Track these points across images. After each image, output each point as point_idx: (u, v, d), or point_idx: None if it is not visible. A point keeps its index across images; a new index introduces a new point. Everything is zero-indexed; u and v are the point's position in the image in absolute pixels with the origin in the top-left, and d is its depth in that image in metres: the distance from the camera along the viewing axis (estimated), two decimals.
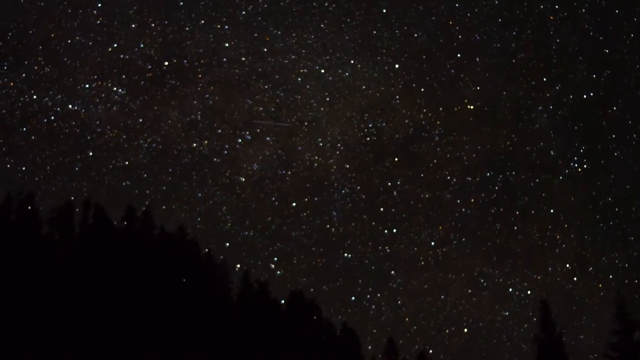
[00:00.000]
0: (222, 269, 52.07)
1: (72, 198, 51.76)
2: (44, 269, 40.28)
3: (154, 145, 74.95)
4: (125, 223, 48.10)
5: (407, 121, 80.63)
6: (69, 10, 74.00)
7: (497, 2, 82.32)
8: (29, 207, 44.84)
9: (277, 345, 47.41)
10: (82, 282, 40.56)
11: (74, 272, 41.31)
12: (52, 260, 42.31)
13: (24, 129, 71.71)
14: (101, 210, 47.17)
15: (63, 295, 39.32)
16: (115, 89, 74.07)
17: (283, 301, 54.87)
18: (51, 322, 37.56)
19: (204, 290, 47.15)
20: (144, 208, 50.56)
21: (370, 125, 79.86)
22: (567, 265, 76.67)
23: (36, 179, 71.04)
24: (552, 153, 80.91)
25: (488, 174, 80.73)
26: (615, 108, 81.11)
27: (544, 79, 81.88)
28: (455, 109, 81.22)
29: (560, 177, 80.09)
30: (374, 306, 74.19)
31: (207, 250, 53.10)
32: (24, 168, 71.34)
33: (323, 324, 55.91)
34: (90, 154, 73.47)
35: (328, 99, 78.91)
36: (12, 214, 44.39)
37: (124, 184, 73.48)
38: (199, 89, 76.26)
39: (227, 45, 76.86)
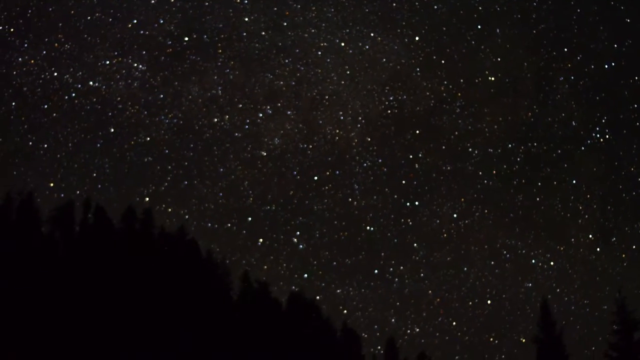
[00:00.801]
0: (222, 269, 52.04)
1: (73, 197, 52.15)
2: (44, 269, 40.28)
3: (175, 120, 75.35)
4: (125, 223, 48.04)
5: (428, 93, 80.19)
6: None
7: None
8: (30, 207, 44.88)
9: (277, 345, 47.40)
10: (82, 282, 40.57)
11: (74, 272, 41.32)
12: (52, 260, 42.31)
13: (45, 106, 72.07)
14: (101, 210, 47.18)
15: (63, 295, 39.33)
16: (135, 65, 74.26)
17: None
18: (51, 322, 37.58)
19: (204, 290, 47.12)
20: (144, 208, 50.55)
21: (391, 98, 79.43)
22: (590, 236, 76.29)
23: (58, 155, 71.67)
24: (573, 123, 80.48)
25: (510, 145, 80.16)
26: (636, 77, 79.92)
27: (565, 49, 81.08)
28: (476, 80, 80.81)
29: (582, 148, 79.58)
30: (396, 279, 74.38)
31: (207, 250, 53.08)
32: (45, 145, 71.77)
33: (323, 324, 55.85)
34: (112, 130, 73.98)
35: (349, 72, 78.75)
36: (12, 214, 44.39)
37: (145, 159, 73.99)
38: (219, 64, 76.28)
39: (246, 19, 77.00)
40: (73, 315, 38.51)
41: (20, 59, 71.18)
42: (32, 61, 71.44)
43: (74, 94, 72.57)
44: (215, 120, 75.88)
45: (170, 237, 49.65)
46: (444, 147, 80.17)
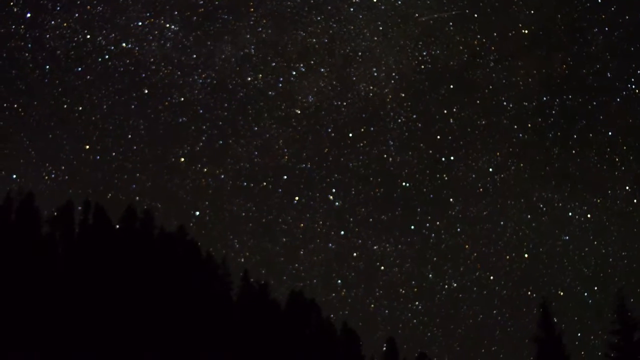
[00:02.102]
0: (222, 269, 52.03)
1: (73, 196, 52.10)
2: (44, 269, 40.26)
3: (208, 80, 75.30)
4: (124, 223, 48.01)
5: (461, 48, 79.44)
6: None
7: None
8: (30, 207, 44.85)
9: (277, 345, 47.40)
10: (82, 282, 40.56)
11: (74, 272, 41.30)
12: (52, 260, 42.29)
13: (79, 69, 72.27)
14: (101, 210, 47.16)
15: (63, 295, 39.32)
16: (168, 25, 73.92)
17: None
18: (51, 321, 37.56)
19: (204, 290, 47.12)
20: (144, 207, 50.45)
21: (425, 53, 78.71)
22: (627, 188, 75.32)
23: (93, 117, 71.82)
24: (608, 75, 79.25)
25: (544, 98, 79.55)
26: None
27: (599, 0, 79.19)
28: (510, 33, 79.83)
29: (618, 99, 78.29)
30: (433, 234, 74.55)
31: (208, 250, 53.05)
32: (80, 108, 72.00)
33: (323, 324, 55.85)
34: (146, 91, 74.04)
35: (381, 28, 78.07)
36: (12, 214, 44.37)
37: (180, 120, 74.25)
38: (251, 22, 75.87)
39: None
40: (73, 315, 38.49)
41: (53, 22, 71.10)
42: (65, 24, 71.40)
43: (107, 56, 72.58)
44: (249, 79, 75.78)
45: (170, 237, 49.63)
46: (478, 101, 79.79)
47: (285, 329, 50.21)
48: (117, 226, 47.50)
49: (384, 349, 58.43)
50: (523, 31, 79.46)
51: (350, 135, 77.28)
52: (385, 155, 77.23)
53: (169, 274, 44.83)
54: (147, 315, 41.13)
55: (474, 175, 77.36)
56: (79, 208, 47.24)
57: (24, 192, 45.94)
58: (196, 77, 74.43)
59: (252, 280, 53.00)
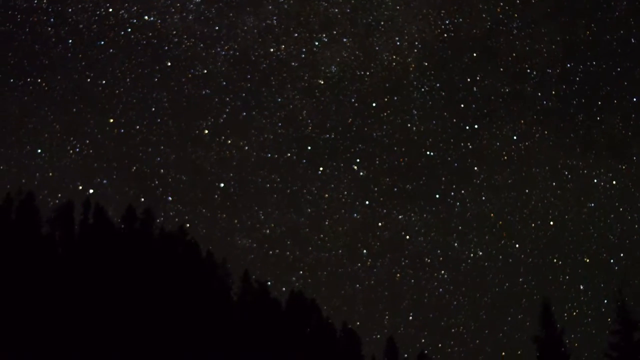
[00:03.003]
0: (222, 269, 51.98)
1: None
2: (44, 269, 40.24)
3: (231, 52, 76.34)
4: (124, 223, 47.97)
5: (484, 15, 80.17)
6: None
7: None
8: (30, 206, 44.82)
9: (277, 345, 47.36)
10: (82, 282, 40.53)
11: (74, 272, 41.28)
12: (52, 260, 42.26)
13: (102, 42, 72.73)
14: (101, 210, 47.14)
15: (63, 295, 39.29)
16: None
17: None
18: (51, 321, 37.54)
19: (204, 290, 47.09)
20: (144, 208, 50.37)
21: (447, 22, 79.05)
22: None
23: (116, 91, 72.94)
24: (632, 40, 79.68)
25: (568, 65, 79.77)
26: None
27: None
28: (533, 0, 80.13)
29: None
30: (458, 203, 75.04)
31: (208, 249, 53.01)
32: (104, 81, 72.94)
33: (323, 324, 55.80)
34: (169, 64, 74.77)
35: None
36: (12, 214, 44.35)
37: (203, 92, 74.65)
38: None
39: None
40: (73, 315, 38.47)
41: None
42: None
43: (129, 29, 73.41)
44: (271, 50, 76.70)
45: (170, 237, 49.60)
46: (501, 69, 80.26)
47: (285, 329, 50.17)
48: (117, 226, 47.47)
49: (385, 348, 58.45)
50: None
51: (374, 105, 78.48)
52: (409, 125, 78.30)
53: (169, 274, 44.81)
54: (147, 315, 41.11)
55: (498, 144, 78.27)
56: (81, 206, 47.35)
57: (24, 192, 45.96)
58: (219, 49, 75.64)
59: (254, 277, 53.02)
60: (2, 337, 35.36)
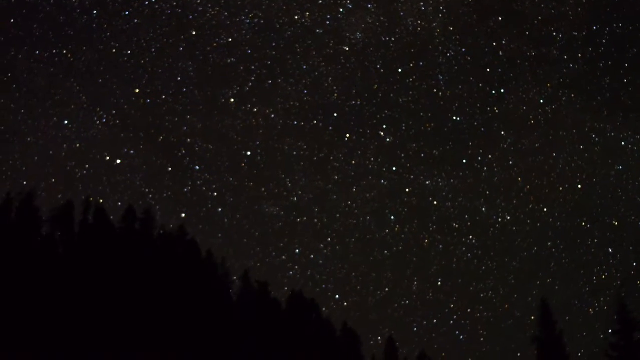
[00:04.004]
0: (222, 269, 51.98)
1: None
2: (44, 269, 40.23)
3: (256, 20, 76.27)
4: (125, 223, 47.95)
5: None
6: None
7: None
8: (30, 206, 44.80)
9: (277, 345, 47.35)
10: (82, 282, 40.52)
11: (74, 272, 41.27)
12: (52, 260, 42.25)
13: (127, 12, 73.41)
14: (101, 210, 47.13)
15: (63, 295, 39.28)
16: None
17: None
18: (51, 321, 37.53)
19: (204, 290, 47.09)
20: (144, 208, 50.30)
21: None
22: None
23: (142, 61, 73.42)
24: None
25: (594, 28, 79.59)
26: None
27: None
28: None
29: None
30: (485, 168, 74.98)
31: (207, 250, 52.99)
32: (129, 52, 73.09)
33: (323, 324, 55.81)
34: (193, 33, 75.05)
35: None
36: (12, 214, 44.33)
37: (228, 61, 75.28)
38: None
39: None
40: (73, 315, 38.46)
41: None
42: None
43: None
44: (296, 17, 76.36)
45: (170, 237, 49.59)
46: (527, 32, 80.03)
47: (285, 328, 50.17)
48: (117, 226, 47.44)
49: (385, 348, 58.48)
50: None
51: (400, 70, 78.29)
52: (435, 90, 78.33)
53: (169, 274, 44.80)
54: (147, 315, 41.11)
55: (525, 108, 78.35)
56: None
57: (24, 192, 45.95)
58: (243, 17, 75.73)
59: (252, 277, 53.02)
60: (2, 337, 35.35)
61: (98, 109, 71.58)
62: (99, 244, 44.07)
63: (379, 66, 78.24)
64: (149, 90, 74.16)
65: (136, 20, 73.67)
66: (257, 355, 45.22)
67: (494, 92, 78.56)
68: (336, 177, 75.89)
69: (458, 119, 77.66)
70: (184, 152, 73.40)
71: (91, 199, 48.02)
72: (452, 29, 79.09)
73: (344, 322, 57.42)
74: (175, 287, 44.20)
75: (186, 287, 45.22)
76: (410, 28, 78.00)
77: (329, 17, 76.68)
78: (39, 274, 39.67)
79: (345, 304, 69.91)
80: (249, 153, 73.79)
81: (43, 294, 38.61)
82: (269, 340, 47.26)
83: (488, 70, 78.67)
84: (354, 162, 75.66)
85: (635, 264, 68.02)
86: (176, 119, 74.10)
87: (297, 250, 67.90)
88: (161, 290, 43.04)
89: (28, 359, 35.36)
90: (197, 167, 73.13)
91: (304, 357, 48.41)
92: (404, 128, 77.61)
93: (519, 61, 78.95)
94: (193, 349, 42.48)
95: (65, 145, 69.87)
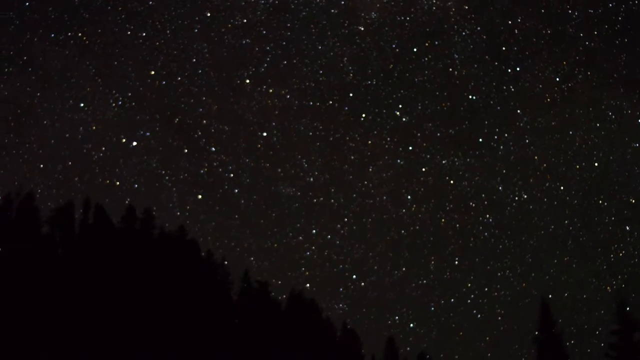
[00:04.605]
0: (222, 269, 51.98)
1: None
2: (44, 269, 40.24)
3: (270, 1, 75.64)
4: (125, 223, 47.95)
5: None
6: None
7: None
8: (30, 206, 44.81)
9: (277, 345, 47.36)
10: (82, 282, 40.53)
11: (74, 272, 41.28)
12: (52, 260, 42.26)
13: None
14: (101, 210, 47.12)
15: (63, 295, 39.29)
16: None
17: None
18: (51, 321, 37.53)
19: (204, 290, 47.09)
20: (144, 208, 50.30)
21: None
22: None
23: (157, 43, 73.12)
24: None
25: (610, 5, 78.38)
26: None
27: None
28: None
29: None
30: (501, 147, 74.92)
31: (207, 249, 53.02)
32: (144, 34, 72.76)
33: (323, 324, 55.82)
34: (208, 14, 74.49)
35: None
36: (12, 214, 44.34)
37: (243, 42, 74.96)
38: None
39: None
40: (73, 315, 38.46)
41: None
42: None
43: None
44: None
45: (170, 237, 49.59)
46: (543, 10, 78.86)
47: (285, 329, 50.17)
48: (117, 226, 47.44)
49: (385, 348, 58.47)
50: None
51: (415, 50, 77.60)
52: (450, 69, 77.54)
53: (169, 274, 44.81)
54: (147, 315, 41.11)
55: (540, 86, 77.31)
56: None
57: (23, 192, 45.97)
58: None
59: (252, 277, 53.00)
60: (2, 337, 35.35)
61: (113, 91, 71.76)
62: (99, 244, 44.07)
63: (394, 46, 77.59)
64: (164, 72, 74.05)
65: (151, 2, 73.47)
66: (257, 355, 45.22)
67: (509, 70, 77.92)
68: (352, 157, 75.94)
69: (474, 97, 77.19)
70: (199, 133, 73.55)
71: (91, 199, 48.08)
72: (467, 7, 78.32)
73: (344, 322, 57.49)
74: (175, 287, 44.20)
75: (186, 287, 45.22)
76: (426, 7, 77.21)
77: None
78: (39, 274, 39.67)
79: (363, 284, 69.52)
80: (264, 134, 74.00)
81: (43, 294, 38.61)
82: (269, 340, 47.27)
83: (503, 48, 78.05)
84: (369, 142, 75.60)
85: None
86: (192, 101, 74.13)
87: (314, 231, 67.94)
88: (161, 291, 43.04)
89: (28, 359, 35.37)
90: (213, 149, 73.29)
91: (304, 357, 48.41)
92: (419, 107, 77.08)
93: (534, 39, 78.32)
94: (193, 349, 42.48)
95: (81, 128, 70.17)
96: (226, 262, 52.72)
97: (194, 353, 42.35)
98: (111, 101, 70.73)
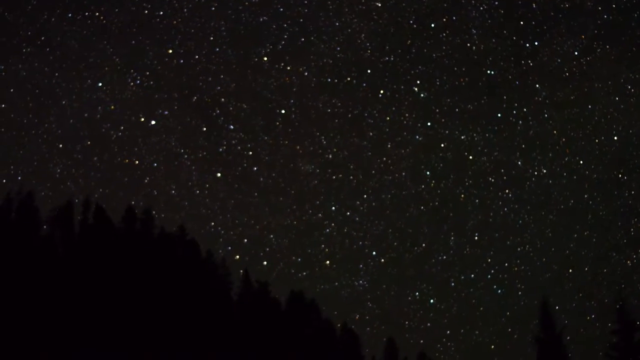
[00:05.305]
0: (222, 269, 51.95)
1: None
2: (44, 269, 40.22)
3: None
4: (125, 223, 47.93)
5: None
6: None
7: None
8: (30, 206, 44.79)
9: (277, 345, 47.35)
10: (82, 282, 40.51)
11: (74, 272, 41.26)
12: (52, 260, 42.24)
13: None
14: (101, 210, 47.10)
15: (63, 295, 39.27)
16: None
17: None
18: (51, 321, 37.52)
19: (204, 290, 47.07)
20: (143, 208, 50.27)
21: None
22: None
23: (174, 22, 73.80)
24: None
25: None
26: None
27: None
28: None
29: None
30: (520, 121, 74.89)
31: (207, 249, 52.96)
32: (161, 12, 73.75)
33: (323, 324, 55.79)
34: None
35: None
36: (12, 214, 44.32)
37: (260, 19, 75.68)
38: None
39: None
40: (73, 315, 38.44)
41: None
42: None
43: None
44: None
45: (170, 237, 49.56)
46: None
47: (285, 329, 50.15)
48: (117, 226, 47.40)
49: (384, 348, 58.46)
50: None
51: (432, 25, 78.33)
52: (468, 44, 77.88)
53: (169, 274, 44.79)
54: (147, 315, 41.09)
55: (559, 60, 77.66)
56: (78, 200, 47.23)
57: (24, 191, 45.94)
58: None
59: (252, 277, 52.93)
60: (2, 338, 35.33)
61: (131, 71, 72.19)
62: (99, 244, 44.05)
63: (411, 21, 78.35)
64: (181, 51, 75.14)
65: None
66: (257, 355, 45.21)
67: (527, 45, 78.19)
68: (371, 134, 76.14)
69: (492, 72, 77.57)
70: (218, 111, 73.91)
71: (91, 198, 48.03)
72: None
73: (344, 322, 57.50)
74: (175, 287, 44.18)
75: (186, 287, 45.21)
76: None
77: None
78: (39, 274, 39.65)
79: (382, 260, 69.28)
80: (283, 111, 74.26)
81: (43, 294, 38.60)
82: (269, 340, 47.24)
83: (521, 23, 78.31)
84: (388, 118, 75.90)
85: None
86: (210, 79, 74.53)
87: (333, 208, 68.00)
88: (161, 290, 43.02)
89: (28, 358, 35.35)
90: (232, 127, 73.65)
91: (304, 357, 48.39)
92: (438, 83, 77.53)
93: (552, 13, 78.49)
94: (193, 349, 42.46)
95: (99, 108, 70.38)
96: (226, 263, 52.73)
97: (194, 353, 42.33)
98: (129, 80, 71.12)
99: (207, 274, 49.73)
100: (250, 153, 74.00)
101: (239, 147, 73.04)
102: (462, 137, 75.55)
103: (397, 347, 58.71)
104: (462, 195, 73.98)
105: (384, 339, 59.74)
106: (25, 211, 44.38)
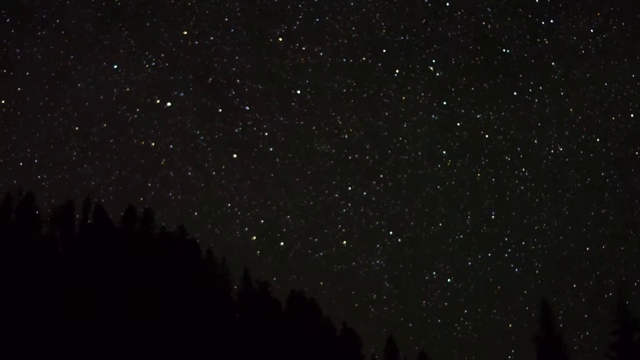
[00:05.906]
0: (222, 269, 51.94)
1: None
2: (44, 269, 40.23)
3: None
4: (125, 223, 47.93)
5: None
6: None
7: None
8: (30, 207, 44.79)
9: (277, 345, 47.35)
10: (82, 282, 40.51)
11: (74, 272, 41.27)
12: (53, 260, 42.24)
13: None
14: (101, 210, 47.11)
15: (63, 295, 39.28)
16: None
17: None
18: (52, 321, 37.52)
19: (204, 290, 47.08)
20: (143, 208, 50.28)
21: None
22: None
23: (189, 3, 74.22)
24: None
25: None
26: None
27: None
28: None
29: None
30: (536, 100, 74.57)
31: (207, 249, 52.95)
32: None
33: (323, 324, 55.80)
34: None
35: None
36: (12, 214, 44.32)
37: (276, 0, 75.58)
38: None
39: None
40: (73, 315, 38.45)
41: None
42: None
43: None
44: None
45: (170, 237, 49.57)
46: None
47: (285, 329, 50.16)
48: (117, 226, 47.40)
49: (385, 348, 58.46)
50: None
51: (447, 4, 78.16)
52: (483, 23, 77.61)
53: (169, 274, 44.79)
54: (147, 315, 41.09)
55: (575, 37, 77.16)
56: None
57: (24, 192, 45.94)
58: None
59: (252, 277, 52.87)
60: (2, 338, 35.34)
61: (147, 53, 72.24)
62: (99, 244, 44.05)
63: (426, 0, 77.58)
64: (196, 32, 75.28)
65: None
66: (257, 355, 45.21)
67: (543, 22, 77.87)
68: (386, 113, 76.15)
69: (507, 51, 77.20)
70: (233, 92, 73.97)
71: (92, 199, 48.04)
72: None
73: (344, 322, 57.47)
74: (175, 287, 44.19)
75: (186, 287, 45.21)
76: None
77: None
78: (39, 274, 39.66)
79: (399, 240, 68.83)
80: (298, 92, 74.27)
81: (43, 294, 38.60)
82: (269, 340, 47.25)
83: (536, 1, 77.97)
84: (403, 97, 75.86)
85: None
86: (225, 60, 74.68)
87: (350, 188, 67.91)
88: (161, 290, 43.02)
89: (28, 358, 35.35)
90: (247, 108, 73.78)
91: (304, 357, 48.39)
92: (453, 62, 77.34)
93: None
94: (193, 349, 42.46)
95: (115, 90, 70.48)
96: (226, 262, 52.69)
97: (194, 353, 42.34)
98: (144, 62, 71.26)
99: (207, 273, 49.73)
100: (266, 134, 74.27)
101: (255, 128, 73.42)
102: (478, 116, 75.73)
103: (397, 347, 58.75)
104: (479, 175, 74.07)
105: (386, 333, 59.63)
106: (25, 211, 44.37)
